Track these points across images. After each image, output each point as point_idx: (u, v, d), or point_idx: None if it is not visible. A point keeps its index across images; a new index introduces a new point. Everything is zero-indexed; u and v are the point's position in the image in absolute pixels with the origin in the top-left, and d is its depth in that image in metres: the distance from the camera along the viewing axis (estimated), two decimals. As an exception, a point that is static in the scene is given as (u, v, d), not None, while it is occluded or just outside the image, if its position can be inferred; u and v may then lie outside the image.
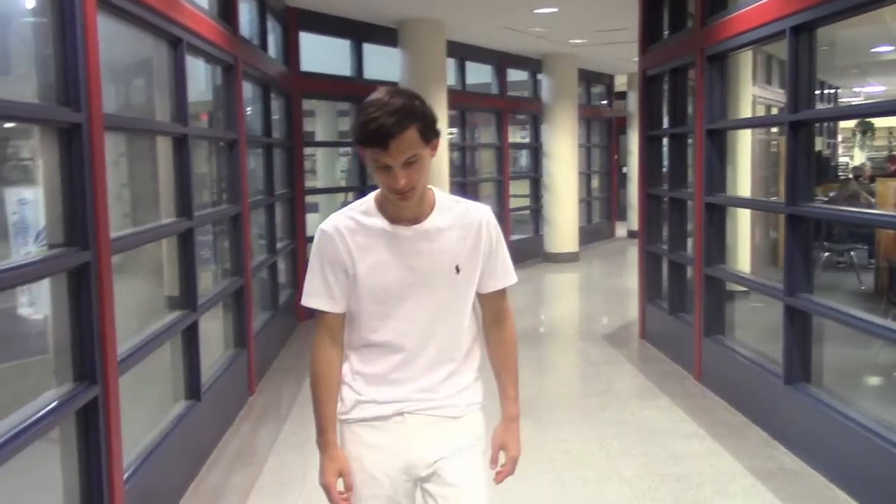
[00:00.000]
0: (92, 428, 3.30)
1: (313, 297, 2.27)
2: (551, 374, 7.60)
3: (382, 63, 10.38)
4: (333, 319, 2.28)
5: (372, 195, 2.27)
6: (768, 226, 9.59)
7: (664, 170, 7.87)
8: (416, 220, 2.22)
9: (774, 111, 9.59)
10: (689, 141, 7.10)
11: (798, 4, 4.70)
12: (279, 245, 8.25)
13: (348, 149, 11.87)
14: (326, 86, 9.97)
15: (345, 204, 2.34)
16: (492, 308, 2.43)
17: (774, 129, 9.90)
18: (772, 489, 4.44)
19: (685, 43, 6.81)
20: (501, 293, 2.42)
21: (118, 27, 4.05)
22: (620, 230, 17.45)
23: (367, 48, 10.37)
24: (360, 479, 2.28)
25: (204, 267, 6.07)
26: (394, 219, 2.22)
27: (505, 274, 2.39)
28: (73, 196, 3.23)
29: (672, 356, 7.18)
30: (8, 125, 4.69)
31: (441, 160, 10.40)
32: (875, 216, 6.62)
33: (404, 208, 2.19)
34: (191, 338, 4.88)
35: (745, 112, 8.43)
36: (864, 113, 15.09)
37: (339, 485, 2.28)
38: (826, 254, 10.32)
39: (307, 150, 10.41)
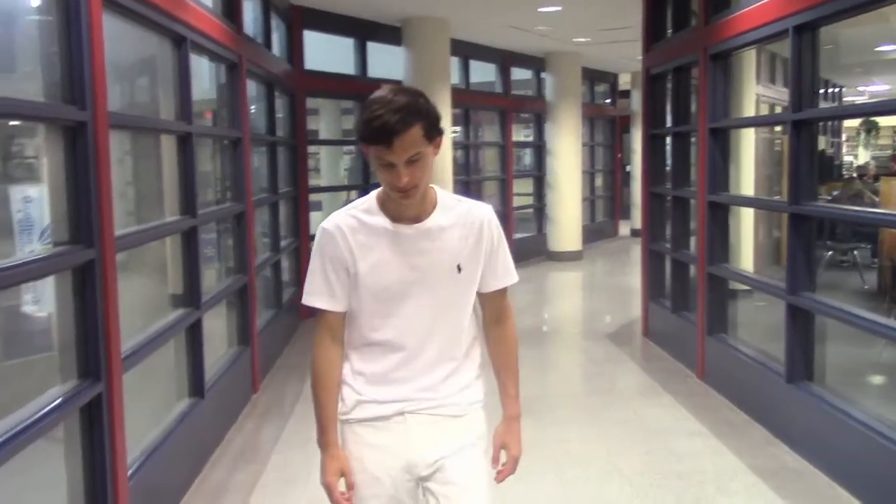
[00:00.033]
0: (96, 425, 3.31)
1: (314, 295, 2.26)
2: (554, 372, 7.61)
3: (386, 62, 10.39)
4: (334, 318, 2.28)
5: (373, 193, 2.26)
6: (772, 225, 9.59)
7: (667, 168, 7.88)
8: (418, 218, 2.22)
9: (778, 110, 9.58)
10: (693, 140, 7.10)
11: (801, 4, 4.71)
12: (283, 243, 8.27)
13: (352, 147, 11.87)
14: (330, 84, 9.98)
15: (348, 202, 2.34)
16: (492, 307, 2.42)
17: (778, 128, 9.90)
18: (774, 487, 4.45)
19: (688, 42, 6.81)
20: (502, 292, 2.41)
21: (123, 26, 4.06)
22: (624, 229, 17.46)
23: (371, 46, 10.38)
24: (361, 478, 2.27)
25: (208, 265, 6.09)
26: (395, 217, 2.21)
27: (506, 273, 2.38)
28: (77, 194, 3.24)
29: (675, 354, 7.19)
30: (13, 123, 4.71)
31: (444, 159, 10.41)
32: (879, 215, 6.61)
33: (406, 206, 2.19)
34: (194, 335, 4.90)
35: (749, 111, 8.42)
36: (867, 112, 15.07)
37: (341, 484, 2.27)
38: (829, 253, 10.32)
39: (311, 149, 10.42)
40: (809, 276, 5.02)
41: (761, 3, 5.26)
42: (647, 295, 8.09)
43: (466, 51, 12.13)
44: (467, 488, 2.28)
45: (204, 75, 6.43)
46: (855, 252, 10.33)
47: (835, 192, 11.62)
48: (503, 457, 2.44)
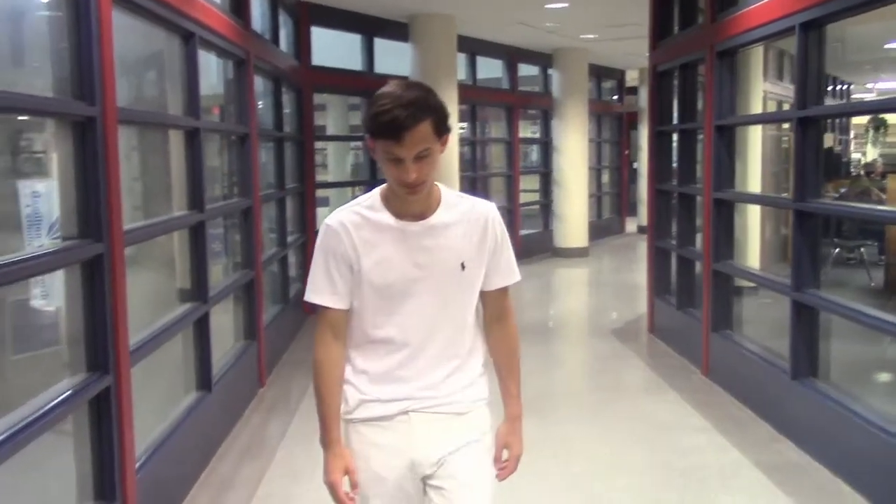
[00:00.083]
0: (104, 417, 3.34)
1: (317, 293, 2.24)
2: (559, 368, 7.62)
3: (393, 58, 10.40)
4: (337, 316, 2.26)
5: (377, 190, 2.24)
6: (779, 222, 9.59)
7: (674, 165, 7.88)
8: (423, 215, 2.20)
9: (786, 107, 9.57)
10: (699, 137, 7.10)
11: (807, 1, 4.71)
12: (290, 239, 8.31)
13: (359, 143, 11.89)
14: (337, 80, 10.01)
15: (354, 198, 2.34)
16: (494, 306, 2.40)
17: (786, 125, 9.89)
18: (777, 483, 4.47)
19: (695, 39, 6.81)
20: (504, 291, 2.39)
21: (131, 21, 4.09)
22: (630, 225, 17.44)
23: (378, 43, 10.40)
24: (365, 477, 2.26)
25: (215, 260, 6.11)
26: (400, 214, 2.20)
27: (509, 272, 2.35)
28: (86, 189, 3.27)
29: (680, 351, 7.20)
30: (21, 118, 4.74)
31: (451, 155, 10.43)
32: (885, 213, 6.61)
33: (412, 203, 2.17)
34: (202, 329, 4.92)
35: (756, 108, 8.42)
36: (874, 109, 15.06)
37: (345, 483, 2.26)
38: (836, 250, 10.31)
39: (318, 144, 10.45)
40: (814, 273, 5.02)
41: (768, 0, 5.26)
42: (652, 291, 8.10)
43: (473, 47, 12.13)
44: (468, 485, 2.27)
45: (212, 71, 6.45)
46: (862, 249, 10.32)
47: (842, 190, 11.60)
48: (505, 455, 2.43)
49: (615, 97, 17.63)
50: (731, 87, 6.34)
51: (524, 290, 10.54)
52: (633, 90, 17.72)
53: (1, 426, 2.74)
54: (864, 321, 4.48)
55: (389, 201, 2.21)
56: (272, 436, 5.47)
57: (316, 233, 2.25)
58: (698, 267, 7.02)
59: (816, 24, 4.77)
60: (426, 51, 10.22)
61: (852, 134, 23.44)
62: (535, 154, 16.07)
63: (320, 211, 9.41)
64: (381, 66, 10.33)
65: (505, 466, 2.43)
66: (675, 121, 7.73)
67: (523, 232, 13.77)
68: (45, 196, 3.79)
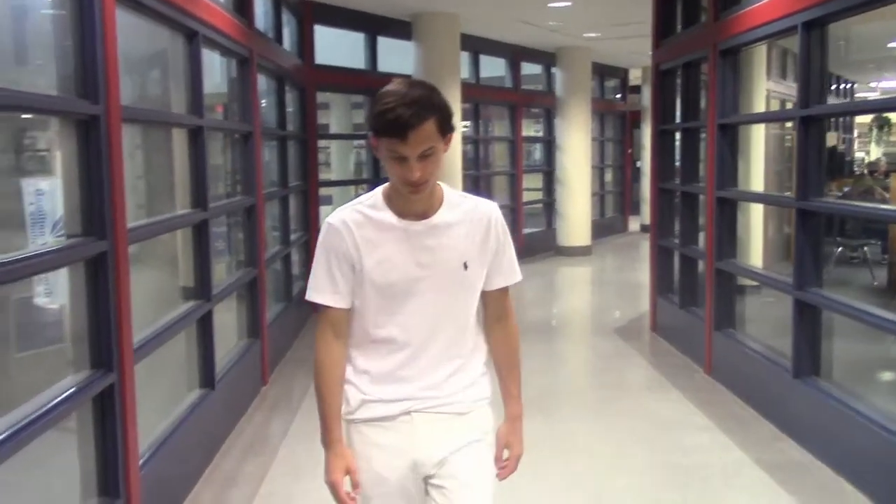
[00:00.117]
0: (108, 414, 3.36)
1: (318, 291, 2.23)
2: (562, 366, 7.63)
3: (397, 56, 10.41)
4: (338, 315, 2.25)
5: (379, 189, 2.23)
6: (782, 221, 9.58)
7: (677, 164, 7.88)
8: (425, 214, 2.20)
9: (789, 106, 9.56)
10: (702, 135, 7.11)
11: (810, 0, 4.71)
12: (293, 237, 8.33)
13: (362, 141, 11.90)
14: (341, 78, 10.02)
15: (357, 196, 2.33)
16: (495, 306, 2.38)
17: (789, 124, 9.89)
18: (779, 481, 4.47)
19: (698, 37, 6.81)
20: (505, 291, 2.38)
21: (135, 20, 4.10)
22: (634, 224, 17.43)
23: (382, 41, 10.40)
24: (367, 477, 2.25)
25: (218, 258, 6.13)
26: (402, 213, 2.19)
27: (510, 271, 2.34)
28: (90, 187, 3.28)
29: (683, 350, 7.20)
30: (25, 116, 4.75)
31: (454, 153, 10.43)
32: (889, 211, 6.61)
33: (414, 202, 2.17)
34: (205, 327, 4.94)
35: (759, 107, 8.42)
36: (877, 108, 15.05)
37: (346, 483, 2.24)
38: (839, 249, 10.30)
39: (321, 143, 10.46)
40: (817, 272, 5.03)
41: (771, -1, 5.27)
42: (655, 290, 8.10)
43: (476, 45, 12.14)
44: (469, 485, 2.26)
45: (215, 69, 6.46)
46: (865, 248, 10.31)
47: (845, 189, 11.60)
48: (505, 455, 2.42)
49: (618, 96, 17.63)
50: (734, 86, 6.34)
51: (527, 288, 10.55)
52: (637, 89, 17.72)
53: (5, 423, 2.75)
54: (866, 320, 4.48)
55: (392, 200, 2.20)
56: (275, 433, 5.48)
57: (319, 231, 2.25)
58: (701, 265, 7.02)
59: (819, 23, 4.77)
60: (429, 49, 10.22)
61: (856, 133, 23.41)
62: (538, 153, 16.07)
63: (323, 209, 9.43)
64: (384, 65, 10.34)
65: (505, 466, 2.42)
66: (678, 119, 7.73)
67: (526, 230, 13.78)
68: (48, 194, 3.81)
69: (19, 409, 2.90)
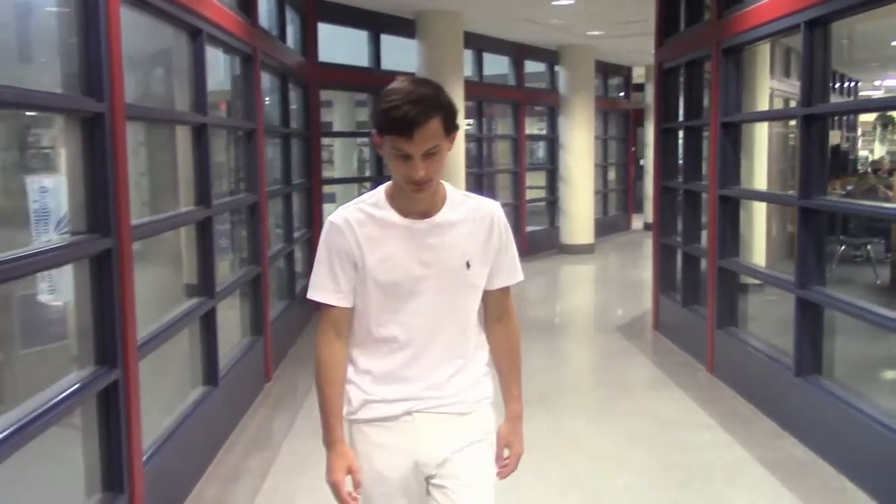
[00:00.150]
0: (112, 410, 3.37)
1: (320, 290, 2.22)
2: (565, 364, 7.64)
3: (400, 54, 10.42)
4: (340, 314, 2.23)
5: (381, 188, 2.23)
6: (785, 219, 9.58)
7: (680, 162, 7.89)
8: (428, 213, 2.19)
9: (793, 104, 9.57)
10: (705, 134, 7.11)
11: (813, -2, 4.72)
12: (296, 234, 8.34)
13: (366, 139, 11.92)
14: (344, 76, 10.03)
15: (361, 194, 2.33)
16: (496, 305, 2.37)
17: (792, 123, 9.89)
18: (781, 479, 4.48)
19: (701, 36, 6.82)
20: (507, 290, 2.37)
21: (139, 18, 4.11)
22: (637, 222, 17.44)
23: (385, 39, 10.41)
24: (368, 477, 2.24)
25: (222, 255, 6.14)
26: (404, 212, 2.18)
27: (512, 271, 2.33)
28: (95, 184, 3.30)
29: (685, 348, 7.21)
30: (29, 114, 4.77)
31: (457, 151, 10.44)
32: (892, 210, 6.61)
33: (417, 200, 2.16)
34: (208, 324, 4.95)
35: (763, 105, 8.42)
36: (880, 107, 15.06)
37: (348, 483, 2.23)
38: (842, 247, 10.30)
39: (324, 141, 10.47)
40: (819, 270, 5.03)
41: (774, -3, 5.27)
42: (657, 288, 8.11)
43: (480, 43, 12.14)
44: (470, 485, 2.26)
45: (219, 67, 6.47)
46: (868, 247, 10.30)
47: (849, 187, 11.59)
48: (506, 454, 2.42)
49: (621, 94, 17.62)
50: (737, 85, 6.35)
51: (530, 286, 10.56)
52: (640, 87, 17.71)
53: (11, 419, 2.77)
54: (868, 318, 4.49)
55: (395, 199, 2.19)
56: (278, 430, 5.50)
57: (322, 229, 2.26)
58: (703, 264, 7.03)
59: (822, 22, 4.78)
60: (433, 47, 10.23)
61: (860, 131, 23.39)
62: (541, 151, 16.08)
63: (326, 207, 9.44)
64: (387, 63, 10.35)
65: (506, 465, 2.42)
66: (681, 118, 7.74)
67: (529, 228, 13.79)
68: (52, 191, 3.82)
69: (25, 404, 2.92)
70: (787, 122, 9.98)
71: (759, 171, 8.49)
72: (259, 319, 6.36)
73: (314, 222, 9.05)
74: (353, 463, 2.23)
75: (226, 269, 6.37)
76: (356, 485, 2.23)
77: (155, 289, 4.98)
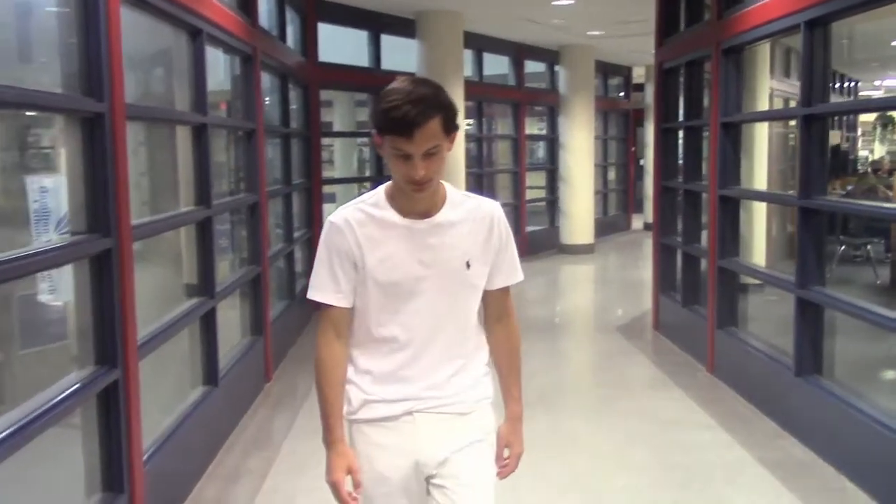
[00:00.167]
0: (112, 410, 3.38)
1: (320, 290, 2.22)
2: (565, 364, 7.64)
3: (400, 54, 10.42)
4: (340, 314, 2.23)
5: (381, 188, 2.23)
6: (786, 219, 9.58)
7: (680, 162, 7.89)
8: (428, 213, 2.19)
9: (793, 104, 9.57)
10: (705, 134, 7.11)
11: (813, -2, 4.72)
12: (296, 234, 8.34)
13: (366, 139, 11.92)
14: (344, 76, 10.03)
15: (361, 194, 2.33)
16: (496, 305, 2.37)
17: (792, 123, 9.89)
18: (781, 480, 4.48)
19: (701, 36, 6.82)
20: (507, 290, 2.37)
21: (139, 18, 4.11)
22: (637, 222, 17.44)
23: (385, 39, 10.41)
24: (369, 477, 2.24)
25: (222, 255, 6.14)
26: (405, 211, 2.18)
27: (512, 271, 2.33)
28: (95, 184, 3.30)
29: (685, 348, 7.21)
30: (29, 113, 4.77)
31: (457, 151, 10.44)
32: (892, 210, 6.60)
33: (418, 200, 2.15)
34: (208, 324, 4.96)
35: (763, 105, 8.42)
36: (880, 107, 15.06)
37: (348, 483, 2.22)
38: (842, 247, 10.30)
39: (324, 141, 10.47)
40: (819, 270, 5.03)
41: (774, -3, 5.27)
42: (657, 288, 8.11)
43: (480, 43, 12.14)
44: (470, 485, 2.26)
45: (219, 67, 6.47)
46: (868, 247, 10.31)
47: (849, 187, 11.60)
48: (506, 454, 2.42)
49: (622, 94, 17.62)
50: (737, 85, 6.35)
51: (530, 286, 10.56)
52: (640, 87, 17.71)
53: (11, 419, 2.77)
54: (868, 318, 4.49)
55: (395, 199, 2.19)
56: (278, 430, 5.50)
57: (322, 228, 2.25)
58: (704, 264, 7.03)
59: (822, 22, 4.78)
60: (433, 47, 10.23)
61: (860, 131, 23.40)
62: (541, 151, 16.08)
63: (327, 207, 9.44)
64: (387, 63, 10.35)
65: (506, 465, 2.42)
66: (681, 118, 7.74)
67: (529, 228, 13.79)
68: (52, 191, 3.82)
69: (25, 404, 2.92)
70: (787, 122, 9.98)
71: (759, 171, 8.49)
72: (259, 319, 6.36)
73: (314, 222, 9.06)
74: (353, 463, 2.23)
75: (226, 269, 6.37)
76: (356, 485, 2.23)
77: (155, 289, 4.98)
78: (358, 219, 2.19)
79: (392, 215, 2.18)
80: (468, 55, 11.60)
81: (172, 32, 4.86)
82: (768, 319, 7.27)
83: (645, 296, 9.06)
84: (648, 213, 15.50)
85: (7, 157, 5.01)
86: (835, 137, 16.23)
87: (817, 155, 4.96)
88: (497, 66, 13.23)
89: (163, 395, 4.66)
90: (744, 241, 7.10)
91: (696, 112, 7.32)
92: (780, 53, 9.89)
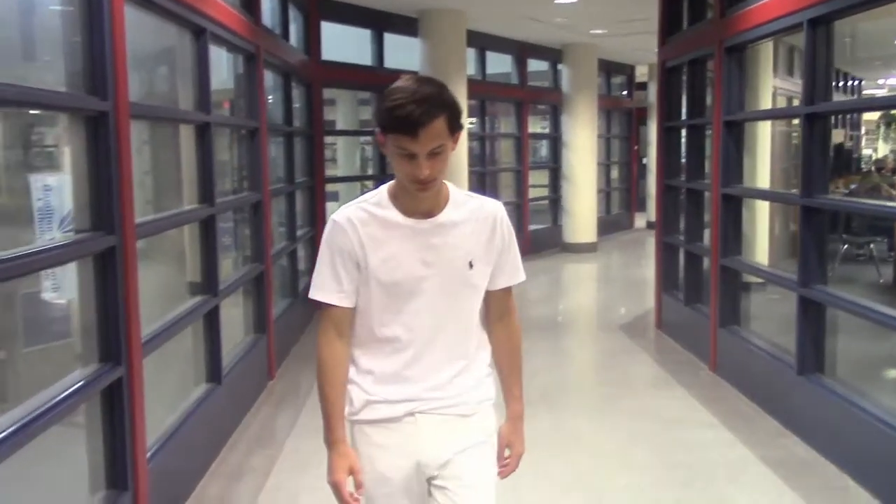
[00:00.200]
0: (116, 407, 3.39)
1: (323, 290, 2.21)
2: (568, 362, 7.65)
3: (403, 53, 10.42)
4: (341, 313, 2.22)
5: (384, 187, 2.22)
6: (788, 218, 9.58)
7: (682, 161, 7.89)
8: (431, 213, 2.18)
9: (796, 103, 9.56)
10: (708, 132, 7.11)
11: (816, -3, 4.72)
12: (299, 233, 8.35)
13: (369, 138, 11.94)
14: (347, 75, 10.03)
15: (364, 192, 2.32)
16: (498, 305, 2.36)
17: (795, 121, 9.89)
18: (784, 478, 4.48)
19: (704, 34, 6.82)
20: (508, 291, 2.36)
21: (143, 17, 4.12)
22: (640, 221, 17.44)
23: (388, 38, 10.42)
24: (370, 478, 2.23)
25: (225, 253, 6.15)
26: (408, 211, 2.17)
27: (514, 271, 2.32)
28: (99, 182, 3.31)
29: (687, 346, 7.21)
30: (33, 112, 4.78)
31: (460, 150, 10.44)
32: (895, 209, 6.59)
33: (421, 200, 2.15)
34: (212, 322, 4.97)
35: (766, 104, 8.42)
36: (883, 105, 15.04)
37: (349, 483, 2.21)
38: (845, 246, 10.30)
39: (328, 139, 10.49)
40: (821, 269, 5.03)
41: (777, -5, 5.27)
42: (660, 287, 8.11)
43: (483, 42, 12.14)
44: (472, 485, 2.26)
45: (222, 65, 6.48)
46: (871, 245, 10.30)
47: (852, 186, 11.60)
48: (507, 454, 2.42)
49: (624, 93, 17.61)
50: (740, 83, 6.35)
51: (532, 285, 10.57)
52: (643, 86, 17.70)
53: (15, 416, 2.78)
54: (870, 317, 4.50)
55: (398, 198, 2.18)
56: (281, 428, 5.51)
57: (325, 227, 2.26)
58: (706, 263, 7.03)
59: (824, 20, 4.78)
60: (436, 46, 10.23)
61: (863, 130, 23.37)
62: (544, 149, 16.07)
63: (330, 205, 9.46)
64: (390, 62, 10.35)
65: (506, 464, 2.42)
66: (683, 116, 7.74)
67: (532, 227, 13.79)
68: (56, 189, 3.84)
69: (29, 402, 2.93)
70: (790, 121, 9.98)
71: (761, 169, 8.49)
72: (262, 317, 6.37)
73: (317, 220, 9.07)
74: (355, 463, 2.22)
75: (229, 268, 6.38)
76: (358, 485, 2.22)
77: (158, 287, 4.99)
78: (361, 218, 2.18)
79: (395, 215, 2.18)
80: (471, 54, 11.60)
81: (176, 31, 4.87)
82: (771, 318, 7.27)
83: (647, 294, 9.06)
84: (651, 211, 15.52)
85: (11, 155, 5.03)
86: (838, 136, 16.22)
87: (819, 153, 4.96)
88: (500, 64, 13.22)
89: (167, 393, 4.68)
90: (746, 239, 7.10)
91: (698, 110, 7.31)
92: (783, 52, 9.89)
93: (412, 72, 2.46)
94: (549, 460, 4.64)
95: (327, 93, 10.04)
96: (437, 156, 2.06)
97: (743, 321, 6.47)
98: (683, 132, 7.75)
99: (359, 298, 2.22)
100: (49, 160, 5.08)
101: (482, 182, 12.58)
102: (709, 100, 7.16)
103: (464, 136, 10.50)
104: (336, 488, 2.21)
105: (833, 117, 6.68)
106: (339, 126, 12.08)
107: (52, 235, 3.78)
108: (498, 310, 2.37)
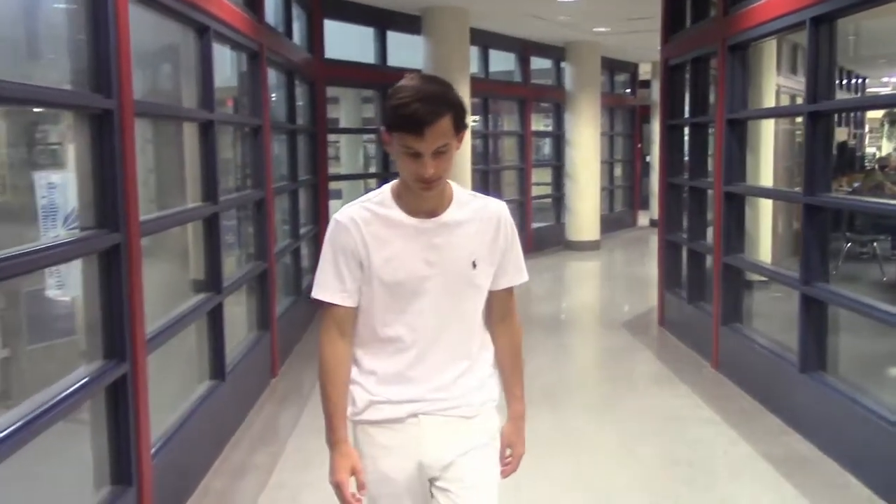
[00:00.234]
0: (121, 404, 3.41)
1: (325, 289, 2.20)
2: (571, 360, 7.66)
3: (406, 51, 10.43)
4: (344, 313, 2.20)
5: (387, 186, 2.21)
6: (791, 216, 9.58)
7: (685, 159, 7.90)
8: (434, 212, 2.17)
9: (799, 101, 9.55)
10: (711, 130, 7.11)
11: (818, -5, 4.73)
12: (302, 230, 8.37)
13: (372, 136, 11.94)
14: (350, 73, 10.04)
15: (368, 191, 2.32)
16: (500, 305, 2.35)
17: (798, 119, 9.88)
18: (786, 475, 4.49)
19: (707, 32, 6.82)
20: (510, 291, 2.35)
21: (147, 15, 4.14)
22: (643, 219, 17.42)
23: (391, 36, 10.42)
24: (373, 478, 2.23)
25: (228, 251, 6.17)
26: (411, 210, 2.16)
27: (517, 271, 2.32)
28: (103, 180, 3.32)
29: (690, 344, 7.22)
30: (37, 110, 4.80)
31: (464, 148, 10.42)
32: (896, 207, 6.58)
33: (425, 199, 2.14)
34: (215, 320, 4.98)
35: (769, 102, 8.41)
36: (886, 103, 15.00)
37: (351, 484, 2.20)
38: (848, 244, 10.30)
39: (331, 137, 10.49)
40: (823, 267, 5.04)
41: (779, -6, 5.27)
42: (663, 285, 8.12)
43: (486, 40, 12.14)
44: (474, 487, 2.25)
45: (226, 63, 6.49)
46: (874, 244, 10.30)
47: (855, 184, 11.59)
48: (507, 454, 2.43)
49: (628, 90, 17.60)
50: (743, 81, 6.35)
51: (535, 283, 10.57)
52: (646, 83, 17.68)
53: (21, 412, 2.80)
54: (873, 314, 4.50)
55: (401, 197, 2.17)
56: (284, 425, 5.53)
57: (328, 225, 2.26)
58: (709, 260, 7.03)
59: (827, 19, 4.78)
60: (439, 44, 10.24)
61: (867, 128, 23.34)
62: (547, 147, 16.06)
63: (333, 203, 9.47)
64: (393, 60, 10.36)
65: (507, 464, 2.43)
66: (686, 114, 7.74)
67: (535, 225, 13.79)
68: (60, 187, 3.85)
69: (33, 398, 2.95)
70: (793, 119, 9.96)
71: (764, 167, 8.48)
72: (265, 315, 6.39)
73: (320, 218, 9.08)
74: (357, 463, 2.21)
75: (232, 265, 6.40)
76: (360, 486, 2.21)
77: (162, 284, 5.00)
78: (364, 217, 2.17)
79: (398, 214, 2.17)
80: (474, 52, 11.60)
81: (180, 29, 4.88)
82: (773, 316, 7.28)
83: (650, 292, 9.07)
84: (654, 209, 15.49)
85: (15, 152, 5.04)
86: (842, 134, 16.20)
87: (822, 152, 4.96)
88: (503, 62, 13.23)
89: (170, 390, 4.69)
90: (749, 237, 7.10)
91: (701, 109, 7.32)
92: (786, 50, 9.87)
93: (416, 70, 2.46)
94: (552, 457, 4.65)
95: (330, 91, 10.04)
96: (442, 155, 2.05)
97: (745, 319, 6.48)
98: (686, 130, 7.76)
99: (361, 298, 2.22)
100: (53, 158, 5.09)
101: (485, 180, 12.58)
102: (712, 98, 7.16)
103: (467, 135, 10.46)
104: (338, 489, 2.20)
105: (836, 115, 6.67)
106: (343, 124, 12.07)
107: (56, 233, 3.80)
108: (500, 310, 2.37)
